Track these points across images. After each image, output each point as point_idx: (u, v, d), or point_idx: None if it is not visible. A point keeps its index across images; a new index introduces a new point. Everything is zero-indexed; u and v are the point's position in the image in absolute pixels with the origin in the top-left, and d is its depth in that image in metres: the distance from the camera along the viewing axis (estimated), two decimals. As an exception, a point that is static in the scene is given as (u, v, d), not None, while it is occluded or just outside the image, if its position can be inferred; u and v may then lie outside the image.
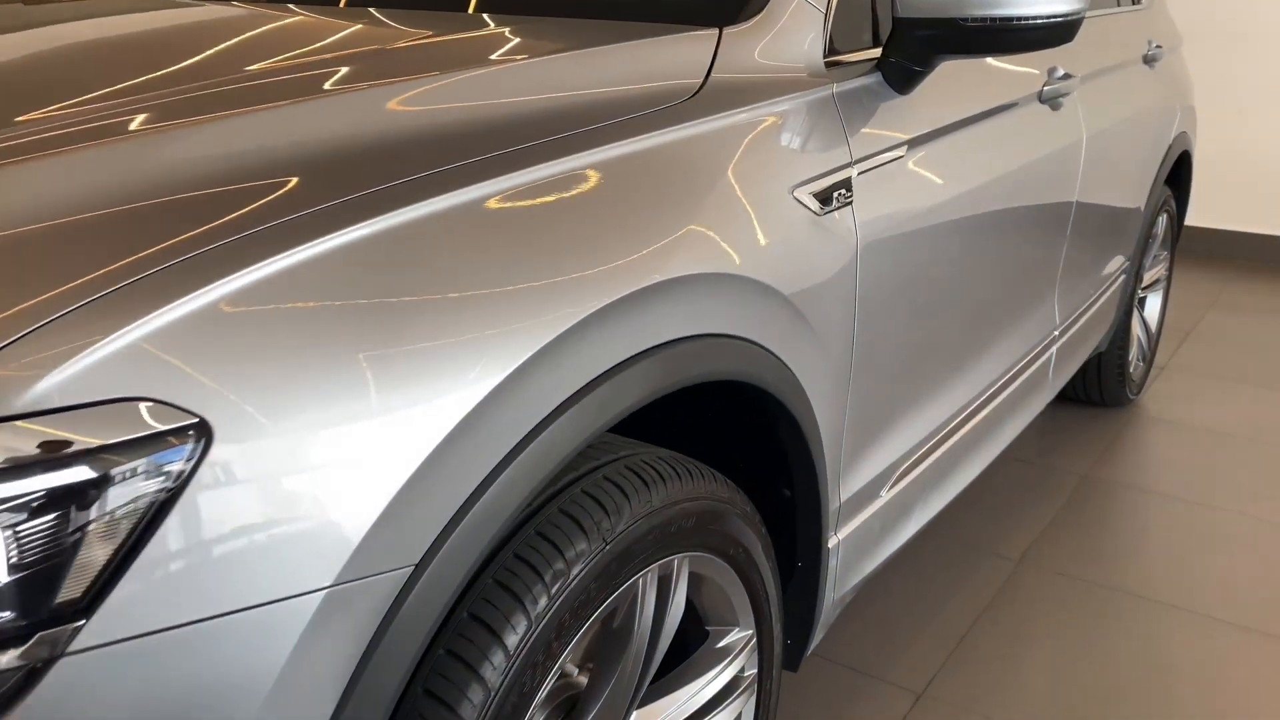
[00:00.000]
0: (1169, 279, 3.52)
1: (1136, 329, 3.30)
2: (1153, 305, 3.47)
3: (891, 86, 1.53)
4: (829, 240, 1.35)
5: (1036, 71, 2.04)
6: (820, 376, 1.37)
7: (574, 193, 1.05)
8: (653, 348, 1.08)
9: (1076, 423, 3.18)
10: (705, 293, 1.14)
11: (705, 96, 1.26)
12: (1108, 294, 2.78)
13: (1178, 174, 3.27)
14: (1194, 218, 3.75)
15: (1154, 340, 3.48)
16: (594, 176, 1.07)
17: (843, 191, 1.37)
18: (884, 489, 1.68)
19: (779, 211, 1.27)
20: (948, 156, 1.66)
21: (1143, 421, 3.24)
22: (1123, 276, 2.90)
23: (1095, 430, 3.14)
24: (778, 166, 1.29)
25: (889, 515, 1.71)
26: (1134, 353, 3.28)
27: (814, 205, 1.32)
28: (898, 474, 1.71)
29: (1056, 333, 2.37)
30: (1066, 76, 2.12)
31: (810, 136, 1.36)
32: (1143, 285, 3.25)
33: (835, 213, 1.36)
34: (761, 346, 1.24)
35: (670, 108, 1.21)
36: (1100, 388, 3.20)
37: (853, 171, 1.40)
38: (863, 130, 1.45)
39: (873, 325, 1.47)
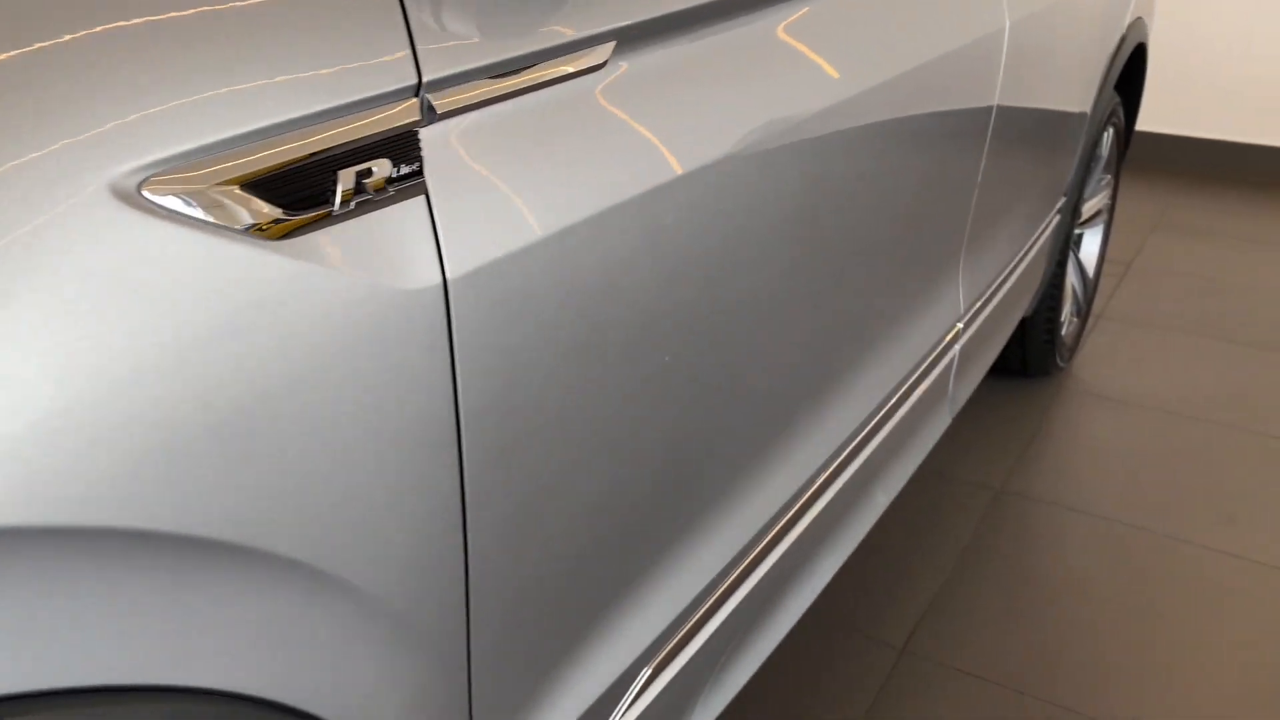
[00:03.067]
0: (1112, 209, 2.75)
1: (1071, 278, 2.54)
2: (1090, 245, 2.70)
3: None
4: (323, 328, 0.50)
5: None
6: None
7: None
8: None
9: (988, 406, 2.42)
10: None
11: None
12: (1038, 246, 1.99)
13: (1128, 74, 2.47)
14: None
15: (1091, 289, 2.72)
16: None
17: (382, 168, 0.53)
18: (617, 711, 0.87)
19: (90, 268, 0.42)
20: (731, 59, 0.80)
21: (1074, 398, 2.50)
22: (1057, 218, 2.11)
23: (1013, 415, 2.40)
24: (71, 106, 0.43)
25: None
26: (1067, 309, 2.52)
27: (253, 214, 0.47)
28: (645, 675, 0.91)
29: (960, 325, 1.57)
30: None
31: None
32: (1080, 220, 2.48)
33: (346, 227, 0.51)
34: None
35: None
36: (1024, 357, 2.45)
37: (419, 108, 0.55)
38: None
39: (511, 489, 0.64)
